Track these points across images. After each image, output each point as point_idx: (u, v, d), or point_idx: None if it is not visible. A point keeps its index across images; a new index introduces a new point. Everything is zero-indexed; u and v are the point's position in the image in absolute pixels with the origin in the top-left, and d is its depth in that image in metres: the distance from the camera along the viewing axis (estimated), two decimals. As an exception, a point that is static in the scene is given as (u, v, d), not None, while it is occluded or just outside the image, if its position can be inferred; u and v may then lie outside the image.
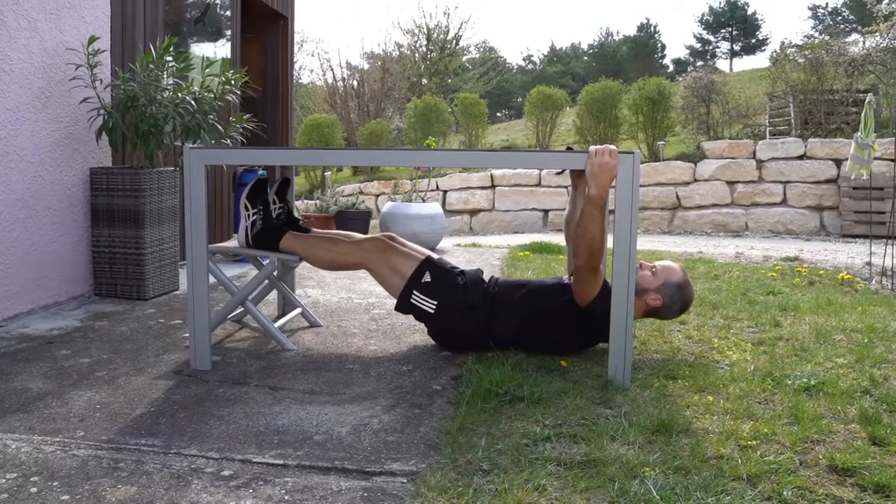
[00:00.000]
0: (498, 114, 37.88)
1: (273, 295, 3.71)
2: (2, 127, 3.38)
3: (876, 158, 7.09)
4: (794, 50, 13.21)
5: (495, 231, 10.89)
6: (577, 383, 2.54)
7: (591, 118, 13.14)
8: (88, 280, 4.00)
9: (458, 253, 6.47)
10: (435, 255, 3.05)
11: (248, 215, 3.05)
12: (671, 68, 45.58)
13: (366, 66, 23.61)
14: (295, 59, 7.91)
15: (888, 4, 12.61)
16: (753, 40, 47.05)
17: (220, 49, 5.91)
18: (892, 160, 8.89)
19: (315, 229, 3.30)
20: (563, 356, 2.85)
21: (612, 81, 13.94)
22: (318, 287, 4.47)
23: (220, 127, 4.19)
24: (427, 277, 2.91)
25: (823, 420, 2.22)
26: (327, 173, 12.89)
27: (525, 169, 11.01)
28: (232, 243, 3.31)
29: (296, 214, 3.46)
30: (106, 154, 4.11)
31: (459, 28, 27.44)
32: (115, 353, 2.95)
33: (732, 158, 10.23)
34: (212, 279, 2.83)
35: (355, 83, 20.46)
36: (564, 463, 1.91)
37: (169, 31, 4.84)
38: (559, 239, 7.07)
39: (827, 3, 46.70)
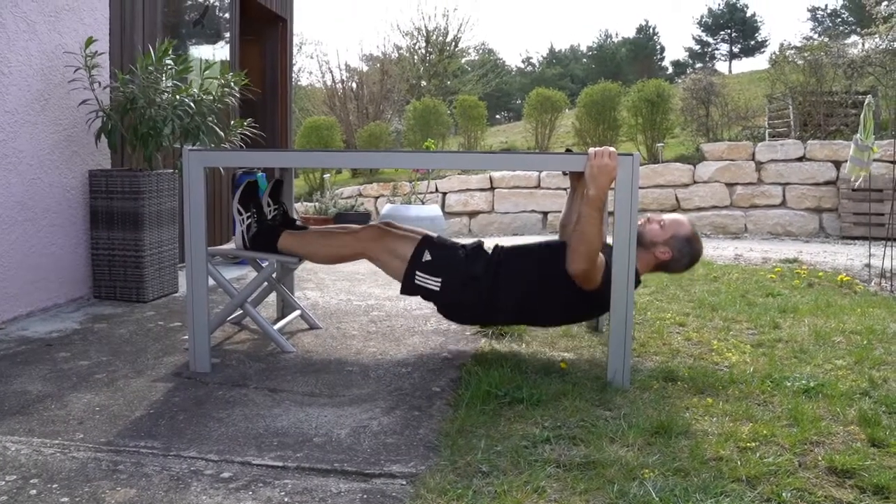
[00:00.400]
0: (497, 116, 37.89)
1: (272, 297, 3.71)
2: (1, 129, 3.39)
3: (875, 160, 7.08)
4: (793, 52, 13.21)
5: (494, 233, 10.88)
6: (577, 385, 2.54)
7: (590, 120, 13.14)
8: (87, 282, 3.99)
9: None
10: (433, 234, 3.03)
11: (243, 219, 3.04)
12: (670, 70, 45.66)
13: (365, 69, 23.61)
14: (294, 62, 7.91)
15: (887, 6, 12.62)
16: (752, 42, 47.11)
17: (219, 51, 5.91)
18: (891, 162, 8.88)
19: (312, 227, 3.30)
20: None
21: (611, 83, 13.93)
22: (317, 289, 4.47)
23: (218, 130, 4.20)
24: (427, 256, 2.88)
25: (823, 422, 2.22)
26: (326, 175, 12.89)
27: (524, 171, 11.00)
28: (231, 246, 3.31)
29: (293, 216, 3.46)
30: (105, 156, 4.11)
31: (458, 30, 27.48)
32: (114, 355, 2.95)
33: (732, 160, 10.23)
34: (211, 281, 2.83)
35: (354, 85, 20.46)
36: (564, 465, 1.91)
37: (168, 33, 4.85)
38: (558, 241, 7.06)
39: (826, 5, 46.81)
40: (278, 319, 3.47)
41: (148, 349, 3.05)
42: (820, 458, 1.97)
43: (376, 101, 19.11)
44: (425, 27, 26.90)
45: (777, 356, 2.99)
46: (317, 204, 8.37)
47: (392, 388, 2.60)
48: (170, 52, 3.97)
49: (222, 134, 4.28)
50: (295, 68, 8.81)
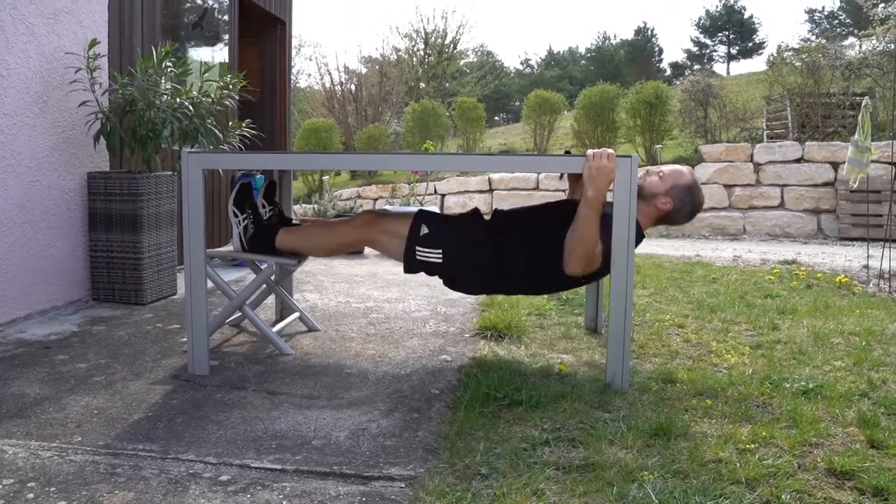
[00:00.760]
0: (496, 118, 37.91)
1: (271, 299, 3.70)
2: (-1, 132, 3.39)
3: (873, 161, 7.09)
4: (790, 53, 13.24)
5: (493, 235, 10.90)
6: (576, 387, 2.54)
7: (588, 122, 13.17)
8: (86, 285, 3.99)
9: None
10: (427, 208, 3.01)
11: (239, 221, 3.03)
12: (668, 72, 45.62)
13: (364, 71, 23.65)
14: (293, 64, 7.92)
15: (884, 8, 12.65)
16: (750, 44, 47.13)
17: (218, 53, 5.91)
18: (889, 163, 8.91)
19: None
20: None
21: (609, 85, 13.96)
22: (315, 291, 4.47)
23: (217, 132, 4.20)
24: (424, 229, 2.85)
25: (822, 423, 2.22)
26: (325, 177, 12.89)
27: (523, 173, 11.01)
28: (230, 248, 3.30)
29: (290, 216, 3.45)
30: (104, 158, 4.11)
31: (457, 32, 27.53)
32: (112, 357, 2.94)
33: (730, 162, 10.24)
34: (210, 284, 2.83)
35: (353, 87, 20.49)
36: (563, 467, 1.90)
37: (167, 35, 4.84)
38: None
39: (823, 7, 46.88)
40: (277, 322, 3.47)
41: (146, 352, 3.05)
42: (819, 460, 1.97)
43: (375, 103, 19.13)
44: (424, 29, 26.96)
45: (776, 358, 2.99)
46: (315, 206, 8.36)
47: (391, 390, 2.59)
48: (169, 54, 3.97)
49: (221, 136, 4.28)
50: (294, 70, 8.82)
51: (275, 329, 3.20)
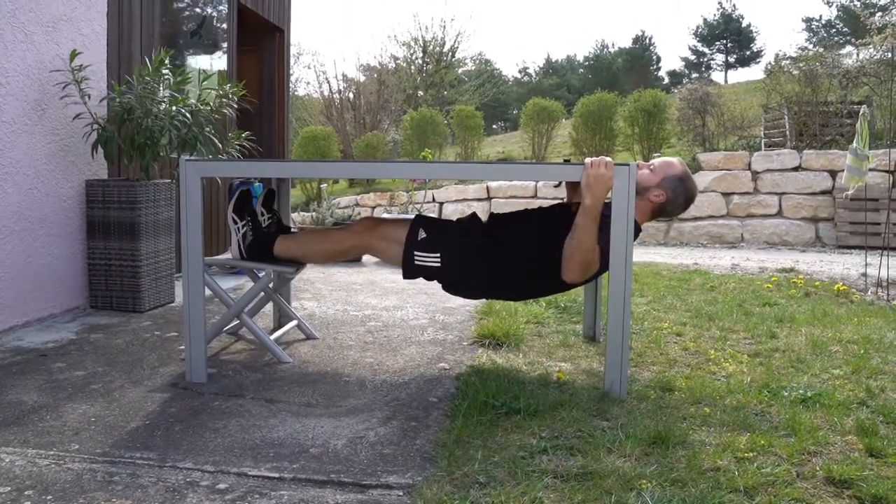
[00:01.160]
0: (494, 126, 37.98)
1: (269, 307, 3.70)
2: (-2, 139, 3.39)
3: (870, 170, 7.11)
4: (788, 62, 13.29)
5: (492, 243, 10.90)
6: (574, 395, 2.53)
7: (586, 130, 13.19)
8: (84, 292, 3.98)
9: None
10: (426, 214, 3.01)
11: (238, 228, 3.03)
12: (666, 80, 45.76)
13: (362, 79, 23.70)
14: (291, 72, 7.93)
15: (881, 17, 12.70)
16: (748, 52, 47.29)
17: (217, 61, 5.92)
18: (886, 171, 8.93)
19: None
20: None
21: (607, 93, 14.00)
22: (313, 299, 4.46)
23: (216, 140, 4.20)
24: (422, 234, 2.86)
25: (820, 432, 2.22)
26: (323, 185, 12.89)
27: (521, 181, 11.03)
28: (228, 256, 3.30)
29: (289, 224, 3.45)
30: (102, 166, 4.11)
31: (455, 40, 27.61)
32: (110, 365, 2.94)
33: (728, 170, 10.25)
34: (208, 291, 2.82)
35: (351, 95, 20.52)
36: (561, 475, 1.90)
37: (165, 43, 4.85)
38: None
39: (821, 16, 47.09)
40: (275, 330, 3.47)
41: (144, 359, 3.04)
42: (818, 468, 1.96)
43: (373, 111, 19.16)
44: (422, 37, 27.04)
45: (774, 366, 2.99)
46: (314, 214, 8.36)
47: (389, 398, 2.59)
48: (167, 62, 3.97)
49: (219, 144, 4.28)
50: (292, 78, 8.84)
51: (273, 337, 3.20)
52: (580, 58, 54.46)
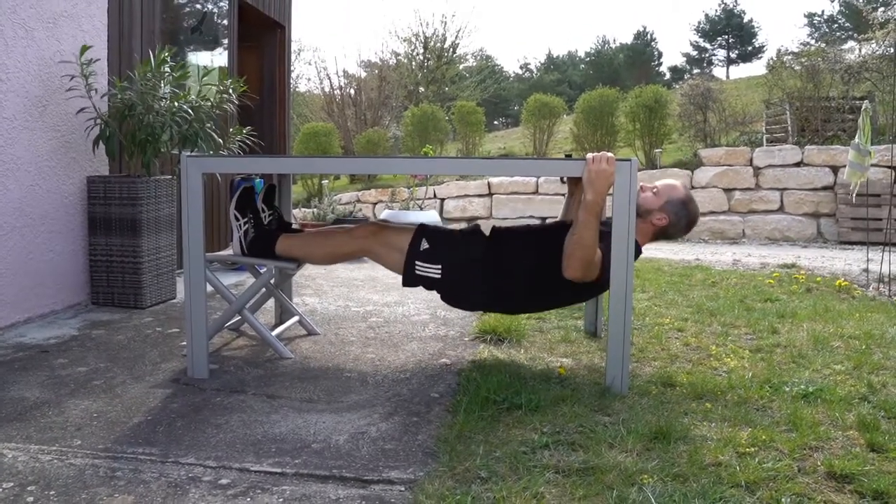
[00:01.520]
0: (495, 122, 37.93)
1: (270, 303, 3.70)
2: (-1, 136, 3.39)
3: (873, 165, 7.10)
4: (790, 57, 13.24)
5: (493, 239, 10.90)
6: (575, 390, 2.54)
7: (588, 126, 13.17)
8: (85, 289, 3.99)
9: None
10: (429, 223, 3.01)
11: (240, 225, 3.04)
12: (668, 76, 45.62)
13: (363, 75, 23.67)
14: (292, 68, 7.93)
15: (884, 12, 12.67)
16: (750, 48, 47.17)
17: (218, 58, 5.92)
18: (888, 167, 8.91)
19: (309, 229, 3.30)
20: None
21: (608, 89, 13.97)
22: (315, 295, 4.47)
23: (216, 136, 4.20)
24: (425, 244, 2.86)
25: (821, 427, 2.22)
26: (324, 181, 12.90)
27: (522, 177, 11.02)
28: (229, 252, 3.31)
29: (290, 220, 3.46)
30: (103, 163, 4.11)
31: (456, 36, 27.59)
32: (112, 361, 2.94)
33: (729, 166, 10.24)
34: (209, 287, 2.83)
35: (352, 91, 20.50)
36: (562, 470, 1.90)
37: (166, 39, 4.85)
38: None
39: (823, 11, 46.96)
40: (276, 325, 3.47)
41: (146, 355, 3.04)
42: (819, 464, 1.97)
43: (374, 107, 19.14)
44: (423, 33, 27.00)
45: (775, 361, 2.99)
46: (315, 210, 8.36)
47: (390, 394, 2.59)
48: (168, 58, 3.97)
49: (220, 140, 4.28)
50: (293, 74, 8.82)
51: (274, 333, 3.20)
52: (581, 53, 54.40)
